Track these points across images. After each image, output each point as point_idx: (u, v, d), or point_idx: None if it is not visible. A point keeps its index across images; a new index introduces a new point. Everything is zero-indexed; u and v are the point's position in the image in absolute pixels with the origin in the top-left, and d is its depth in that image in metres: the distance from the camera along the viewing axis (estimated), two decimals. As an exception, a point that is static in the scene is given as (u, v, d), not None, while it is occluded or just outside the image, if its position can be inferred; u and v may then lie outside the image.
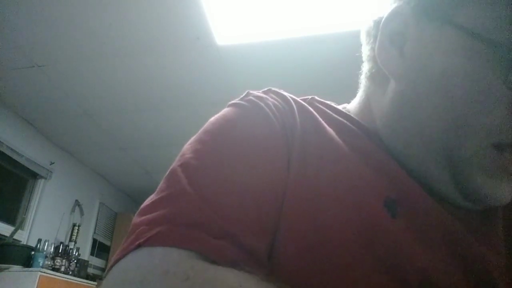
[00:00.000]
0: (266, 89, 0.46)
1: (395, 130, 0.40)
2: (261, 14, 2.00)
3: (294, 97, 0.46)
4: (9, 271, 2.54)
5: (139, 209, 0.34)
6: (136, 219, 0.33)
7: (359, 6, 1.88)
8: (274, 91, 0.46)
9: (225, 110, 0.43)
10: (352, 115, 0.46)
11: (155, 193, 0.35)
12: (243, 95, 0.45)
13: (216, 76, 2.45)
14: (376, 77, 0.44)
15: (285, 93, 0.46)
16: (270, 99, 0.43)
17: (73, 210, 3.61)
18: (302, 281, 0.32)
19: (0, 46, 2.23)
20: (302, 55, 2.19)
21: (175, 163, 0.37)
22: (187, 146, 0.38)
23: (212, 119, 0.42)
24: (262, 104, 0.41)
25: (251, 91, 0.45)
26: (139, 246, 0.29)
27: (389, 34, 0.40)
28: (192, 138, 0.40)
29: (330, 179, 0.36)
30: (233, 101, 0.44)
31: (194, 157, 0.36)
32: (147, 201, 0.34)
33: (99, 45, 2.20)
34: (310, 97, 0.48)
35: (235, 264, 0.28)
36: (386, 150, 0.41)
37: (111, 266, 0.30)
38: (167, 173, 0.36)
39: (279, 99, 0.44)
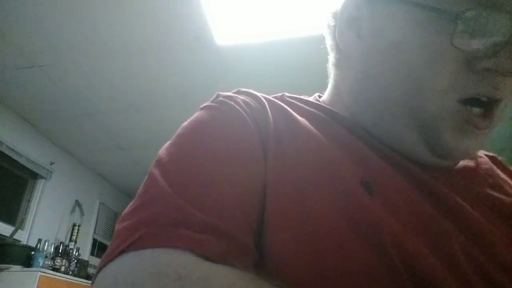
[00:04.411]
0: (235, 90, 0.47)
1: (362, 104, 0.44)
2: (261, 14, 2.00)
3: (264, 95, 0.47)
4: (9, 271, 2.54)
5: (121, 216, 0.34)
6: (118, 226, 0.32)
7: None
8: (243, 91, 0.47)
9: (196, 114, 0.43)
10: (323, 104, 0.48)
11: (135, 199, 0.35)
12: (213, 97, 0.45)
13: (216, 76, 2.46)
14: (340, 62, 0.48)
15: (255, 92, 0.47)
16: (240, 97, 0.44)
17: (73, 210, 3.61)
18: (292, 264, 0.32)
19: (0, 46, 2.23)
20: (302, 55, 2.19)
21: (151, 168, 0.37)
22: (162, 151, 0.39)
23: (185, 123, 0.42)
24: (232, 103, 0.42)
25: (220, 93, 0.46)
26: (122, 251, 0.29)
27: (346, 20, 0.45)
28: (166, 144, 0.40)
29: (309, 164, 0.37)
30: (204, 104, 0.45)
31: (171, 159, 0.36)
32: (127, 208, 0.34)
33: (99, 45, 2.20)
34: (280, 94, 0.50)
35: (224, 256, 0.28)
36: (357, 135, 0.43)
37: (97, 273, 0.30)
38: (146, 178, 0.36)
39: (249, 97, 0.45)
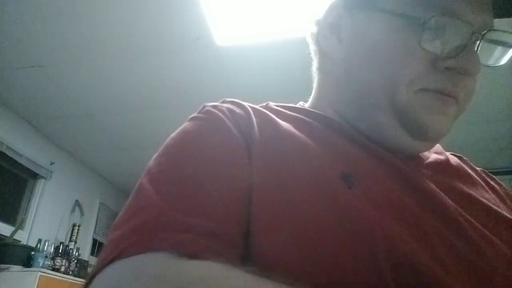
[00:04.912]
0: (221, 100, 0.50)
1: (346, 101, 0.49)
2: (261, 15, 2.00)
3: (249, 104, 0.50)
4: (9, 271, 2.54)
5: (113, 225, 0.36)
6: (110, 235, 0.34)
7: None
8: (229, 100, 0.50)
9: (184, 124, 0.46)
10: (307, 108, 0.54)
11: (126, 208, 0.37)
12: (200, 108, 0.48)
13: (216, 76, 2.46)
14: (323, 66, 0.54)
15: (240, 101, 0.50)
16: (224, 105, 0.47)
17: (73, 210, 3.61)
18: (280, 260, 0.34)
19: (0, 46, 2.23)
20: (302, 56, 2.17)
21: (141, 179, 0.39)
22: (151, 162, 0.41)
23: (173, 134, 0.45)
24: (217, 112, 0.45)
25: (206, 104, 0.49)
26: (113, 259, 0.31)
27: (328, 27, 0.51)
28: (155, 155, 0.42)
29: (291, 164, 0.40)
30: (191, 116, 0.47)
31: (159, 169, 0.39)
32: (118, 217, 0.36)
33: (99, 45, 2.20)
34: (265, 103, 0.54)
35: (203, 251, 0.30)
36: (341, 132, 0.47)
37: (89, 282, 0.32)
38: (135, 188, 0.39)
39: (233, 106, 0.48)
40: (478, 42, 0.42)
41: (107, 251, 0.32)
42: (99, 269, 0.31)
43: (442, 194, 0.42)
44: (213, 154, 0.40)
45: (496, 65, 0.45)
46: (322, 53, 0.54)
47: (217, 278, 0.27)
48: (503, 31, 0.43)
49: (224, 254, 0.31)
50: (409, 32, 0.42)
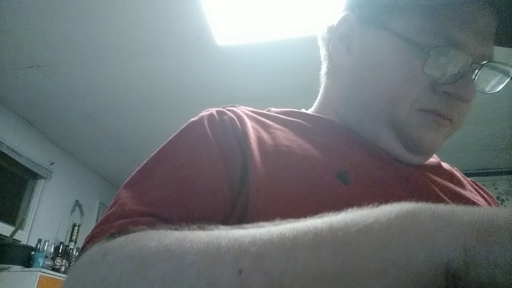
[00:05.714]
0: (222, 106, 0.52)
1: (349, 108, 0.52)
2: (261, 14, 2.00)
3: (247, 112, 0.52)
4: (9, 271, 2.54)
5: None
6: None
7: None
8: (226, 108, 0.52)
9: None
10: (307, 112, 0.57)
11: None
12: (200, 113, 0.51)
13: (216, 76, 2.46)
14: (331, 72, 0.57)
15: (238, 110, 0.51)
16: (220, 112, 0.50)
17: (73, 210, 3.61)
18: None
19: (0, 46, 2.23)
20: (302, 55, 2.19)
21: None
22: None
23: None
24: (198, 119, 0.49)
25: (204, 111, 0.51)
26: (83, 249, 0.35)
27: (339, 36, 0.52)
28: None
29: (287, 164, 0.43)
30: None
31: (138, 169, 0.44)
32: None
33: (99, 45, 2.20)
34: (267, 109, 0.56)
35: (142, 224, 0.34)
36: (341, 133, 0.50)
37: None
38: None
39: (228, 112, 0.50)
40: (476, 71, 0.45)
41: (86, 238, 0.37)
42: (80, 253, 0.36)
43: (437, 190, 0.45)
44: (180, 155, 0.44)
45: (492, 92, 0.49)
46: (331, 60, 0.56)
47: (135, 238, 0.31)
48: (503, 64, 0.46)
49: (158, 227, 0.34)
50: (413, 55, 0.44)
